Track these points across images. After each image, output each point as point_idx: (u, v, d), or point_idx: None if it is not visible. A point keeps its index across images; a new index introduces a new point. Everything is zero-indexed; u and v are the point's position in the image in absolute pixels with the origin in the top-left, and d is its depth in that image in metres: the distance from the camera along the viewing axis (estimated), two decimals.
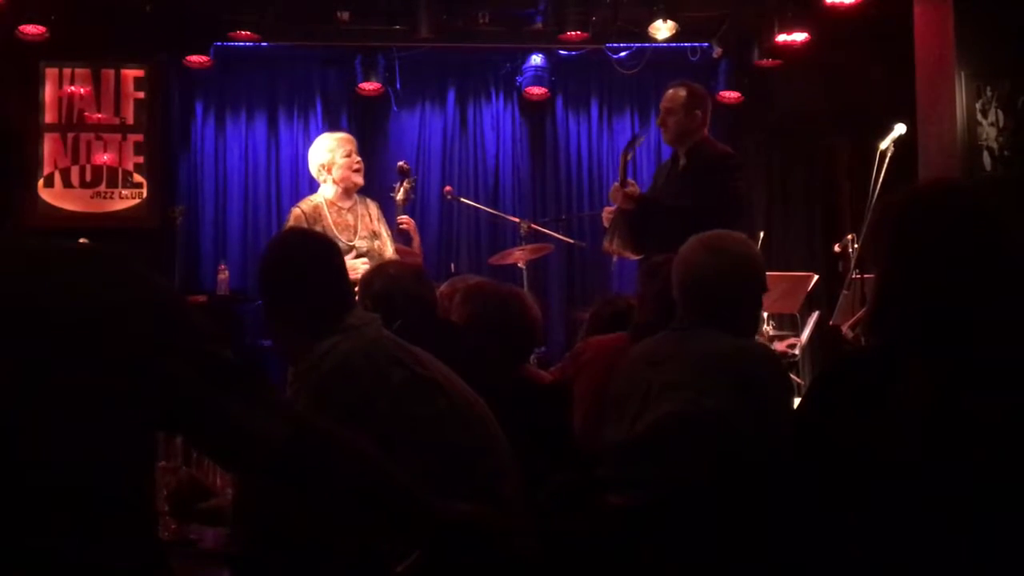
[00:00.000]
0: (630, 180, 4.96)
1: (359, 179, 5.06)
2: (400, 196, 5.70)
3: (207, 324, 1.47)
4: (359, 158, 5.08)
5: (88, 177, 7.16)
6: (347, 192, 5.06)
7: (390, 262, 4.09)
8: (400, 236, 5.77)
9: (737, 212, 4.83)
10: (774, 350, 3.07)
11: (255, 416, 1.45)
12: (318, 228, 4.82)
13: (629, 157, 5.10)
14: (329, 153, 5.05)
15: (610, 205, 5.02)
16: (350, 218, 5.02)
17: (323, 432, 1.55)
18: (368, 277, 3.24)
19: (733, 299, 2.81)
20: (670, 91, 4.95)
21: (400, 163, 5.95)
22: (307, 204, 5.09)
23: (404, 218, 5.61)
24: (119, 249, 1.45)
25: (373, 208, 5.16)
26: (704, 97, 4.98)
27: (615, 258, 5.36)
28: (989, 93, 5.70)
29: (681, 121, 4.85)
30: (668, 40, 7.08)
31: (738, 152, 5.68)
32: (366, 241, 4.94)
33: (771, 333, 6.56)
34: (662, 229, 4.62)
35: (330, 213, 4.99)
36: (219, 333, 1.48)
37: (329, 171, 5.03)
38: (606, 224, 5.01)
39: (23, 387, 1.32)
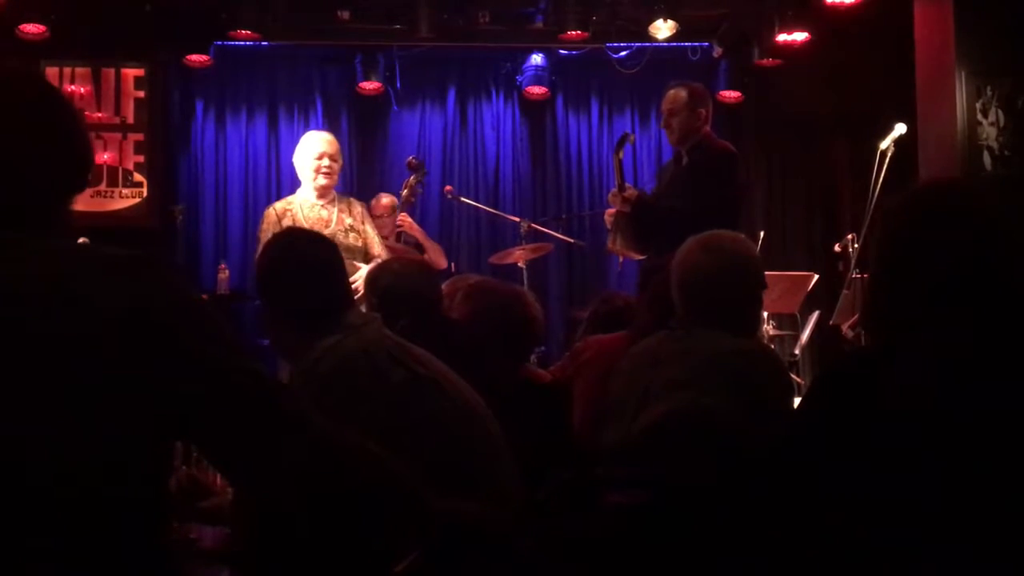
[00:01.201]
0: (628, 184, 4.97)
1: (325, 181, 5.06)
2: (404, 193, 5.69)
3: (228, 330, 1.46)
4: (330, 162, 5.06)
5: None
6: (320, 192, 5.08)
7: (395, 259, 4.09)
8: (407, 238, 5.77)
9: (738, 209, 4.85)
10: (774, 350, 3.06)
11: (268, 432, 1.44)
12: (287, 222, 4.87)
13: (620, 156, 5.11)
14: (302, 152, 5.13)
15: (611, 207, 5.04)
16: (324, 213, 5.05)
17: (337, 444, 1.53)
18: (374, 273, 3.25)
19: (731, 298, 2.80)
20: (671, 92, 4.95)
21: (409, 158, 5.94)
22: (280, 203, 5.19)
23: (399, 218, 5.59)
24: (140, 252, 1.44)
25: (357, 208, 5.16)
26: (705, 95, 5.00)
27: (621, 258, 5.37)
28: (989, 93, 5.70)
29: (685, 121, 4.86)
30: (668, 39, 7.08)
31: (738, 151, 5.67)
32: (340, 235, 4.92)
33: (771, 333, 6.56)
34: (664, 229, 4.63)
35: (303, 210, 5.04)
36: (239, 341, 1.46)
37: (300, 170, 5.10)
38: (608, 225, 5.02)
39: (35, 392, 1.32)
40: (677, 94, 4.91)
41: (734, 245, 2.89)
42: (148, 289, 1.40)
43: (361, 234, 5.07)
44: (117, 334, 1.35)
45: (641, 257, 5.01)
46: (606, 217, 5.08)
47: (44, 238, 1.43)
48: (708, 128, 4.95)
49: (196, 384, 1.39)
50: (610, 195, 5.00)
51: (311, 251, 2.50)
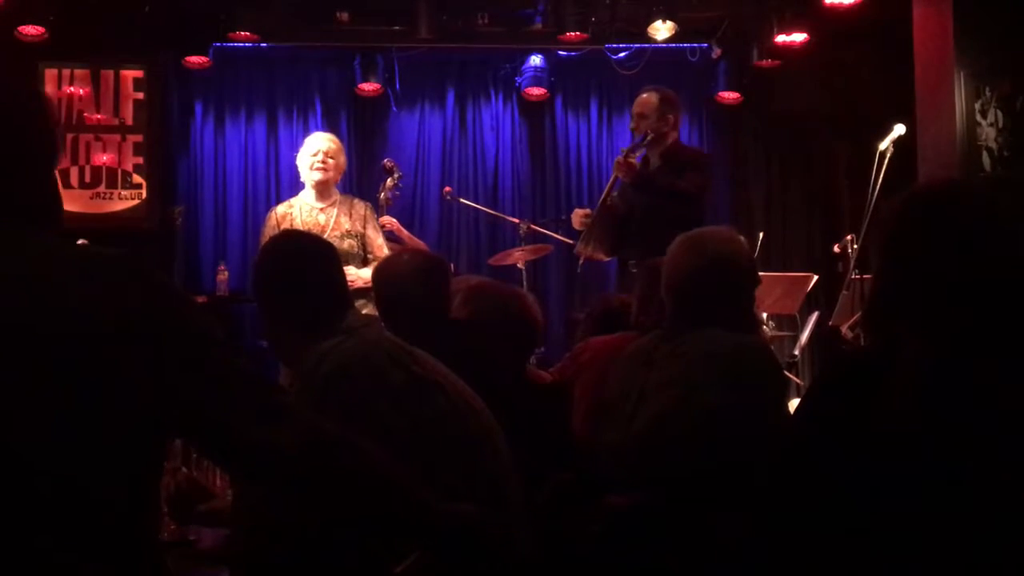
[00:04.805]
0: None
1: (318, 175, 5.09)
2: (382, 196, 5.70)
3: (216, 329, 1.46)
4: (324, 156, 5.09)
5: (87, 178, 7.15)
6: (320, 192, 5.10)
7: (402, 254, 4.09)
8: (391, 238, 5.77)
9: (702, 204, 4.92)
10: (767, 345, 3.04)
11: (264, 424, 1.44)
12: (286, 227, 4.91)
13: (633, 156, 5.15)
14: (302, 151, 5.21)
15: (581, 208, 5.11)
16: (321, 218, 5.06)
17: (331, 437, 1.54)
18: (377, 270, 3.26)
19: (715, 296, 2.82)
20: (642, 96, 5.05)
21: (384, 161, 5.95)
22: (281, 206, 5.23)
23: (384, 219, 5.60)
24: (128, 252, 1.44)
25: (359, 209, 5.15)
26: (676, 101, 5.07)
27: (582, 260, 5.41)
28: (988, 93, 5.70)
29: (653, 125, 4.92)
30: (667, 41, 7.08)
31: (737, 153, 5.70)
32: (336, 240, 4.90)
33: (771, 334, 6.56)
34: (638, 231, 4.71)
35: (301, 213, 5.06)
36: (228, 338, 1.47)
37: (300, 169, 5.15)
38: (577, 227, 5.08)
39: (28, 394, 1.31)
40: (648, 98, 4.99)
41: (716, 244, 2.90)
42: (134, 287, 1.40)
43: (360, 238, 5.07)
44: (104, 332, 1.35)
45: (608, 259, 5.10)
46: (574, 221, 5.13)
47: (36, 234, 1.43)
48: (676, 135, 5.02)
49: (182, 380, 1.39)
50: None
51: (309, 253, 2.49)
